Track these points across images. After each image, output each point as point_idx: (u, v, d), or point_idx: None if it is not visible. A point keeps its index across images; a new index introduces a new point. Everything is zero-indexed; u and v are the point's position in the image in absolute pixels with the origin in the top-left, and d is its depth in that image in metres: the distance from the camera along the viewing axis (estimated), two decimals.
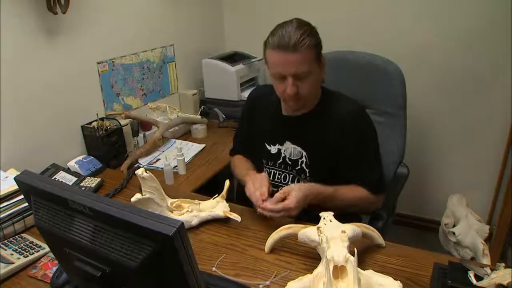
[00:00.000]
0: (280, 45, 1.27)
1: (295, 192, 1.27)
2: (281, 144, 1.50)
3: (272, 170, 1.54)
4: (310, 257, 1.18)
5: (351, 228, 1.12)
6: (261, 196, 1.30)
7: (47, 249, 1.28)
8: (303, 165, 1.47)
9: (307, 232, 1.13)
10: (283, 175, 1.52)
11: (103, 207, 0.69)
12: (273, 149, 1.52)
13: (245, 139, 1.68)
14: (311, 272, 1.04)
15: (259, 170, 1.56)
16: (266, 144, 1.54)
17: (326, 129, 1.43)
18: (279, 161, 1.52)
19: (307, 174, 1.47)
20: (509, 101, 2.24)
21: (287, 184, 1.52)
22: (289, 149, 1.49)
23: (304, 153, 1.47)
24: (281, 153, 1.51)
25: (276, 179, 1.54)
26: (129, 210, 0.67)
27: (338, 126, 1.41)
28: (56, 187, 0.77)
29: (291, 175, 1.51)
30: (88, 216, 0.73)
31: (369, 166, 1.45)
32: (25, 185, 0.84)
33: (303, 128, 1.47)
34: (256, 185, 1.34)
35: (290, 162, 1.50)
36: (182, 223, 0.63)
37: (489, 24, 2.19)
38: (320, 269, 1.03)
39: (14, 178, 0.85)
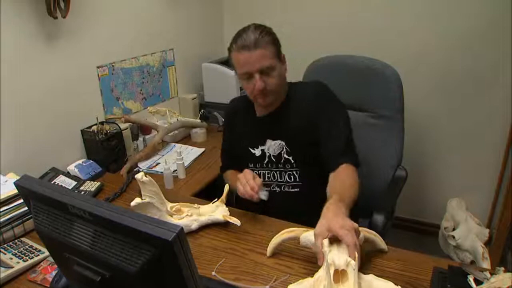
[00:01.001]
0: (243, 45, 1.39)
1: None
2: (263, 144, 1.56)
3: (261, 172, 1.58)
4: (310, 261, 1.18)
5: None
6: (252, 189, 1.35)
7: (47, 253, 1.28)
8: (285, 155, 1.52)
9: (309, 236, 1.13)
10: (271, 173, 1.56)
11: (103, 212, 0.69)
12: (257, 152, 1.57)
13: (231, 154, 1.71)
14: (311, 276, 1.04)
15: None
16: (250, 149, 1.58)
17: (295, 114, 1.51)
18: (265, 161, 1.56)
19: (292, 161, 1.52)
20: (509, 102, 2.24)
21: (277, 181, 1.56)
22: (271, 147, 1.54)
23: (283, 143, 1.52)
24: (265, 153, 1.55)
25: (266, 179, 1.57)
26: (129, 215, 0.67)
27: (304, 106, 1.50)
28: (55, 192, 0.77)
29: (277, 172, 1.55)
30: (88, 221, 0.73)
31: (346, 137, 1.46)
32: (25, 189, 0.84)
33: (277, 122, 1.53)
34: (243, 182, 1.38)
35: (274, 160, 1.54)
36: (182, 228, 0.63)
37: (489, 24, 2.19)
38: (321, 272, 1.03)
39: (14, 183, 0.85)
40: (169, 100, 2.55)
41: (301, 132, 1.49)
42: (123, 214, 0.68)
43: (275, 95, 1.49)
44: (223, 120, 1.78)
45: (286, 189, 1.55)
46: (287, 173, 1.54)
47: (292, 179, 1.53)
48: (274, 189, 1.55)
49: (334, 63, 1.88)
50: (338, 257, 1.00)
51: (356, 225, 1.07)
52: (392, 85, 1.73)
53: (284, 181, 1.55)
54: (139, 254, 0.67)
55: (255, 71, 1.40)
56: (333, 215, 1.09)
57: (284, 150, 1.52)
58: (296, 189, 1.53)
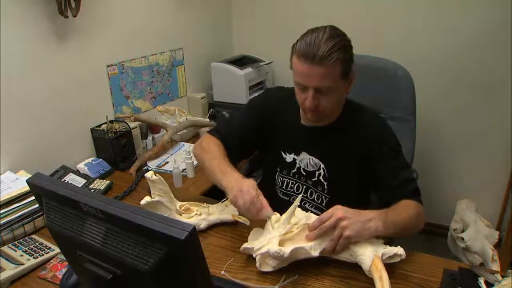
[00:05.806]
0: (306, 54, 1.19)
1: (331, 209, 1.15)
2: (297, 154, 1.44)
3: (286, 179, 1.49)
4: (319, 261, 1.18)
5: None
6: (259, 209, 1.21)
7: (57, 250, 1.29)
8: (321, 178, 1.42)
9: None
10: (296, 185, 1.47)
11: (115, 210, 0.69)
12: (288, 158, 1.46)
13: (241, 135, 1.50)
14: (320, 277, 1.03)
15: (271, 177, 1.54)
16: (282, 152, 1.47)
17: (347, 143, 1.38)
18: (293, 171, 1.46)
19: (325, 187, 1.42)
20: None
21: (300, 194, 1.45)
22: (305, 160, 1.43)
23: (322, 165, 1.41)
24: (296, 163, 1.44)
25: (289, 189, 1.49)
26: (141, 214, 0.67)
27: (360, 141, 1.36)
28: (68, 190, 0.78)
29: (304, 186, 1.46)
30: (100, 219, 0.73)
31: (408, 176, 1.35)
32: (37, 187, 0.85)
33: (322, 140, 1.40)
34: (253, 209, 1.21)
35: (304, 173, 1.44)
36: (194, 227, 0.63)
37: (500, 25, 2.17)
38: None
39: (26, 181, 0.86)
40: (178, 99, 2.56)
41: (349, 166, 1.37)
42: (136, 212, 0.68)
43: (327, 114, 1.34)
44: (258, 99, 1.56)
45: (307, 206, 1.46)
46: (316, 193, 1.44)
47: (319, 201, 1.44)
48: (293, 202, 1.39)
49: None
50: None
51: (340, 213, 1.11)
52: (404, 86, 1.72)
53: (310, 198, 1.45)
54: (151, 253, 0.68)
55: (311, 87, 1.23)
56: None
57: (322, 172, 1.41)
58: (318, 212, 1.39)
